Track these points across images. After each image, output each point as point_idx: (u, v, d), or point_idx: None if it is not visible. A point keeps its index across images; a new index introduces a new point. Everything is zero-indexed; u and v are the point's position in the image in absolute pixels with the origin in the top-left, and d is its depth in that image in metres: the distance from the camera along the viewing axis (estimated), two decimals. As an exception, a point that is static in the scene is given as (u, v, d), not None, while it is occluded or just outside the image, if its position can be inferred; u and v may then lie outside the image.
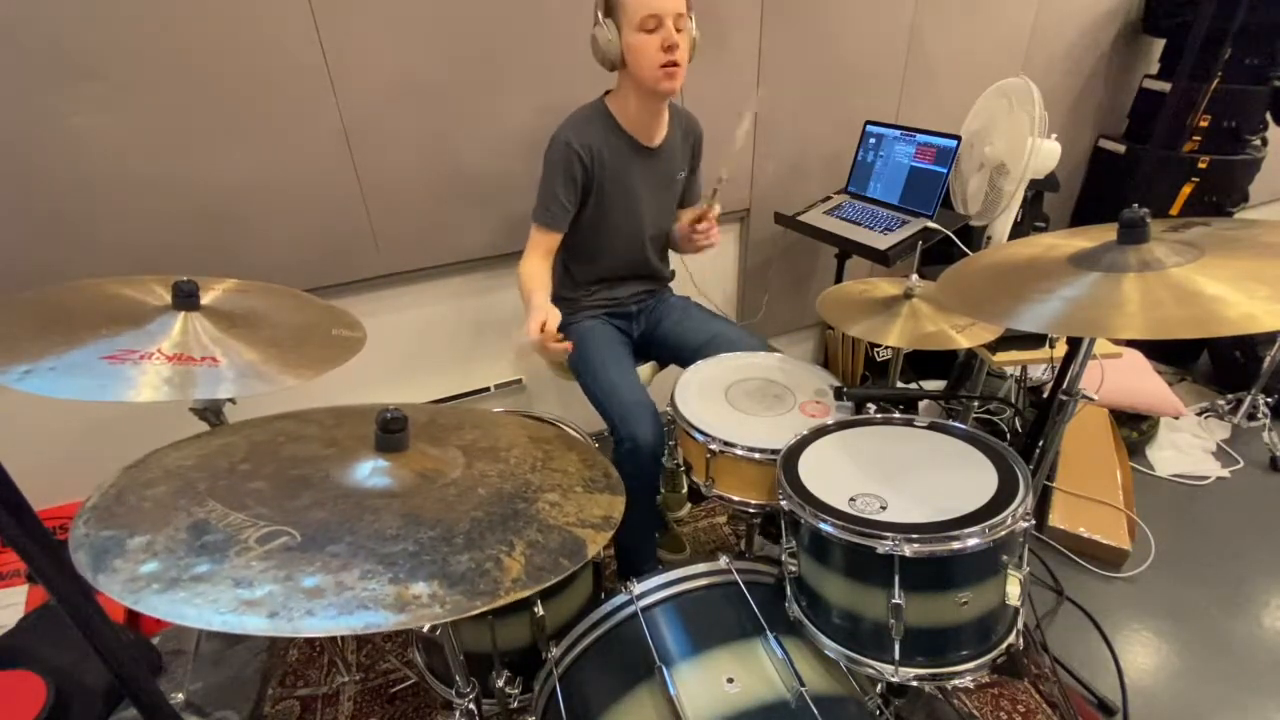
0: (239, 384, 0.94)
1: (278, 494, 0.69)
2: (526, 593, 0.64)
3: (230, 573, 0.57)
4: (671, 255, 1.71)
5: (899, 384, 2.17)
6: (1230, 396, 2.31)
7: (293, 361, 1.02)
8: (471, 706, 0.97)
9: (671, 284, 1.74)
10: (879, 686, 1.00)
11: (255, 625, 0.53)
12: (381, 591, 0.59)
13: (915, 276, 1.39)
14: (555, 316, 1.29)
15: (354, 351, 1.11)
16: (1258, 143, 2.44)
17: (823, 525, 0.93)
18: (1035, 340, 1.65)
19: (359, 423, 0.86)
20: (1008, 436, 2.11)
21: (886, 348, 2.48)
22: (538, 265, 1.43)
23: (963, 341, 1.28)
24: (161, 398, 0.87)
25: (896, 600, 0.88)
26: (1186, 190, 2.46)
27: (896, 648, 0.91)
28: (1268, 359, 2.19)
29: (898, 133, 1.95)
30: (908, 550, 0.87)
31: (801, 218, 2.05)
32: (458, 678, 0.95)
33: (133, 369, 0.89)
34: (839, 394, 1.29)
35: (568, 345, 1.26)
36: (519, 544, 0.69)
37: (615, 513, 0.81)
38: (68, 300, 1.03)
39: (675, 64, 1.28)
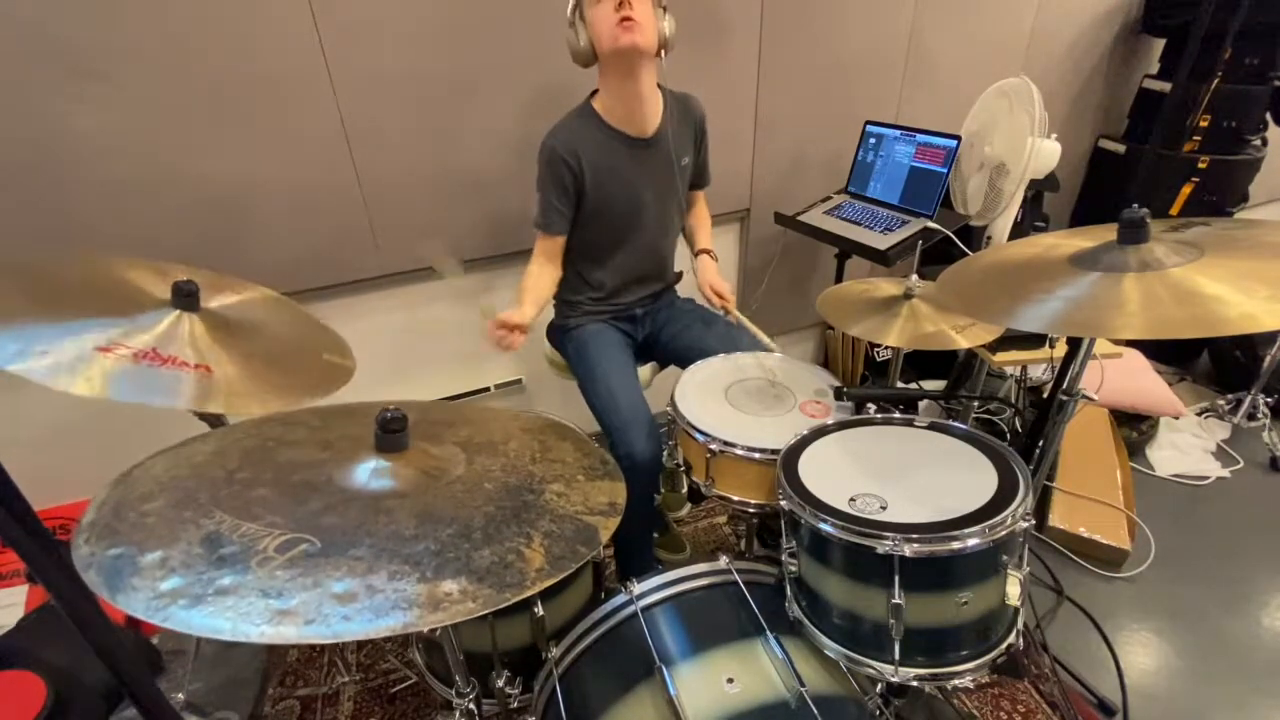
0: (219, 400, 0.91)
1: (285, 501, 0.68)
2: (552, 580, 0.65)
3: (256, 583, 0.57)
4: (677, 256, 1.70)
5: (899, 384, 2.17)
6: (1230, 396, 2.31)
7: (276, 383, 1.00)
8: (471, 706, 0.97)
9: (677, 286, 1.74)
10: (879, 686, 1.00)
11: (294, 634, 0.53)
12: (413, 591, 0.59)
13: (915, 276, 1.39)
14: (523, 325, 1.33)
15: (344, 381, 1.10)
16: (1258, 143, 2.44)
17: (823, 525, 0.93)
18: (1035, 340, 1.65)
19: (347, 423, 0.86)
20: (1008, 436, 2.11)
21: (886, 348, 2.48)
22: (537, 270, 1.45)
23: (963, 341, 1.28)
24: (192, 406, 0.87)
25: (896, 600, 0.88)
26: (1186, 190, 2.46)
27: (896, 648, 0.91)
28: (1268, 359, 2.19)
29: (898, 133, 1.95)
30: (908, 550, 0.87)
31: (801, 218, 2.05)
32: (458, 678, 0.95)
33: (163, 373, 0.88)
34: (839, 394, 1.29)
35: (513, 343, 1.30)
36: (536, 535, 0.71)
37: (619, 498, 0.82)
38: (66, 274, 1.00)
39: (630, 19, 1.26)
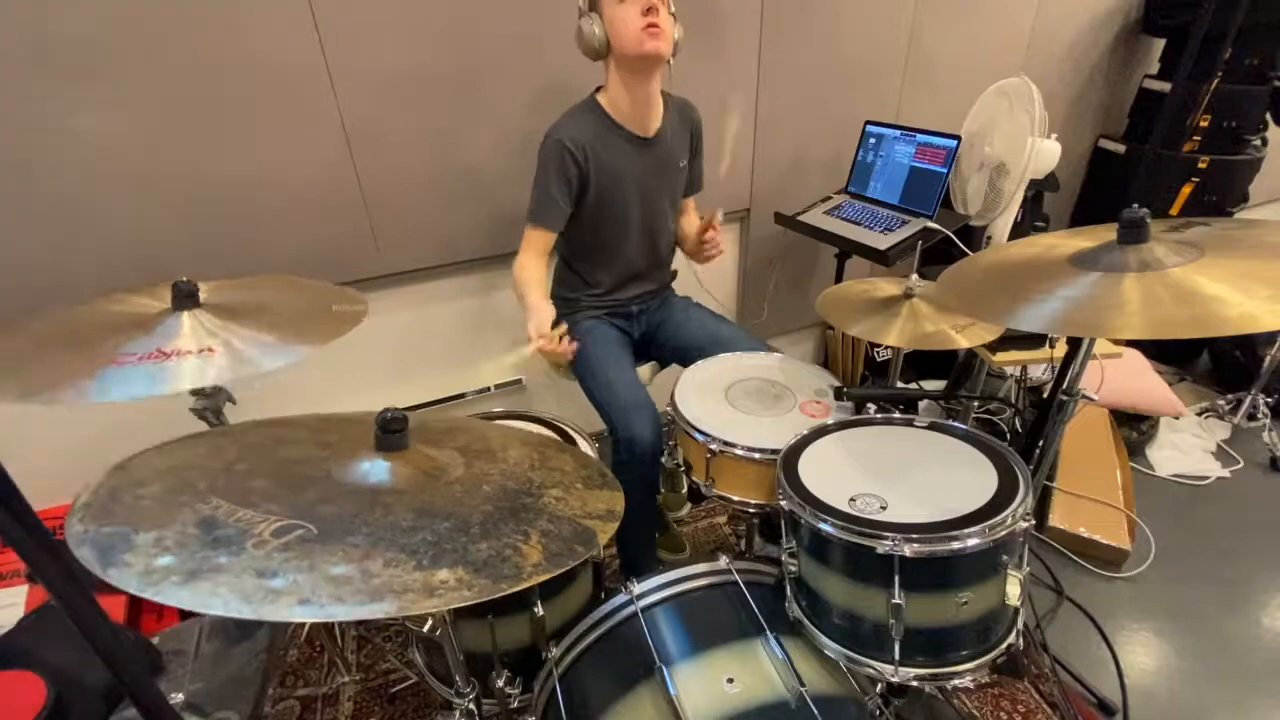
0: (261, 360, 0.95)
1: (283, 491, 0.69)
2: (548, 575, 0.65)
3: (251, 564, 0.57)
4: (675, 255, 1.71)
5: (899, 384, 2.17)
6: (1230, 396, 2.31)
7: (302, 337, 1.02)
8: (471, 706, 0.97)
9: (673, 284, 1.74)
10: (879, 686, 1.00)
11: (286, 613, 0.53)
12: (409, 577, 0.59)
13: (915, 276, 1.39)
14: (550, 313, 1.29)
15: (357, 322, 1.11)
16: (1258, 143, 2.44)
17: (823, 525, 0.93)
18: (1035, 340, 1.64)
19: (346, 428, 0.86)
20: (1008, 436, 2.10)
21: (886, 348, 2.48)
22: (532, 264, 1.43)
23: (963, 341, 1.28)
24: (195, 385, 0.91)
25: (896, 600, 0.88)
26: (1186, 190, 2.46)
27: (896, 648, 0.91)
28: (1268, 359, 2.19)
29: (898, 133, 1.95)
30: (908, 550, 0.87)
31: (801, 218, 2.05)
32: (458, 678, 0.95)
33: (168, 366, 0.91)
34: (839, 394, 1.29)
35: (572, 346, 1.26)
36: (534, 533, 0.71)
37: (617, 507, 0.83)
38: (73, 325, 1.04)
39: (656, 25, 1.27)
